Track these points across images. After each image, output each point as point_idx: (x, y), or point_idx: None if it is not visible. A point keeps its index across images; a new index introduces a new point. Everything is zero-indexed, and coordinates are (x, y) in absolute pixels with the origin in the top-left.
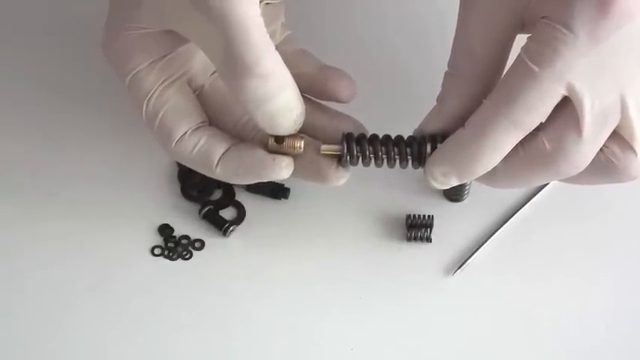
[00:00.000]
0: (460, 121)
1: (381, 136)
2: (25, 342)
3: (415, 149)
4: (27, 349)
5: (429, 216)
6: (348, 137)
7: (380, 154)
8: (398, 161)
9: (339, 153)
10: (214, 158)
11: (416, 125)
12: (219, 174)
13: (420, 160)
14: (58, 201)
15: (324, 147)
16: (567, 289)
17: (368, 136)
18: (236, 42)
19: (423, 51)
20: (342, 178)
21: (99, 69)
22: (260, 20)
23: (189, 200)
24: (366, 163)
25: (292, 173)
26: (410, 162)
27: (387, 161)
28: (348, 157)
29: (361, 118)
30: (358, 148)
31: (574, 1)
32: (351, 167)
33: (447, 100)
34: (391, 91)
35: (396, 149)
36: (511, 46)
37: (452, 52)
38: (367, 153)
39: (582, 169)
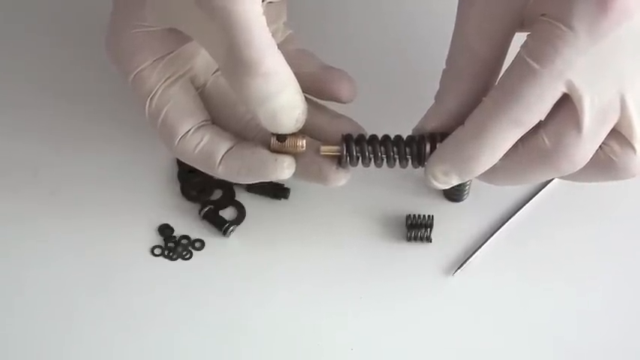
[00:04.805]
0: (458, 119)
1: (380, 136)
2: (25, 341)
3: (414, 149)
4: (27, 348)
5: (429, 216)
6: (347, 138)
7: (379, 154)
8: (397, 161)
9: (338, 154)
10: (217, 157)
11: (415, 124)
12: (221, 173)
13: (419, 160)
14: (58, 201)
15: (323, 148)
16: (567, 288)
17: (367, 136)
18: (239, 40)
19: (423, 50)
20: (342, 178)
21: (100, 69)
22: (263, 19)
23: (189, 200)
24: (365, 164)
25: (293, 173)
26: (409, 161)
27: (387, 161)
28: (348, 157)
29: (361, 118)
30: (358, 148)
31: None
32: (351, 168)
33: (444, 98)
34: (391, 91)
35: (395, 149)
36: (509, 43)
37: (450, 49)
38: (367, 153)
39: (582, 166)
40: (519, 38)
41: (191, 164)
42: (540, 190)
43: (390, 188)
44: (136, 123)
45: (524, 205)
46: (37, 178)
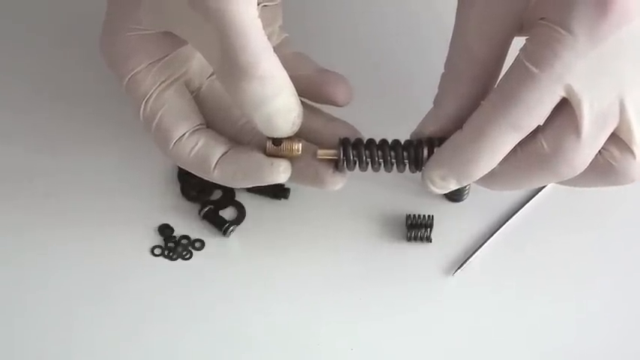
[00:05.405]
0: (457, 123)
1: (377, 140)
2: (26, 342)
3: (412, 153)
4: (27, 349)
5: (429, 216)
6: (344, 142)
7: (377, 158)
8: (395, 166)
9: (335, 158)
10: (212, 161)
11: (413, 128)
12: (216, 177)
13: (417, 164)
14: (58, 201)
15: (320, 152)
16: (567, 289)
17: (364, 141)
18: (234, 44)
19: (420, 53)
20: (339, 182)
21: (97, 70)
22: (258, 22)
23: (189, 200)
24: (362, 168)
25: (289, 177)
26: (407, 166)
27: (384, 166)
28: (345, 162)
29: (358, 122)
30: (355, 152)
31: (573, 3)
32: (348, 172)
33: (443, 102)
34: (388, 95)
35: (392, 153)
36: (509, 46)
37: (449, 51)
38: (364, 158)
39: (581, 171)
40: (519, 43)
41: (186, 168)
42: (540, 190)
43: (389, 188)
44: (136, 123)
45: (524, 204)
46: (34, 180)
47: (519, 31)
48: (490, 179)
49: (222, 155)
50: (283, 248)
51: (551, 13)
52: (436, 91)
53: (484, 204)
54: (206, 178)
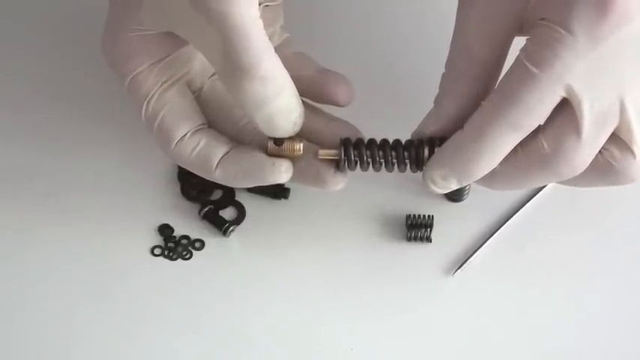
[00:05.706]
0: (458, 123)
1: (378, 140)
2: (26, 342)
3: (413, 153)
4: (28, 348)
5: (429, 216)
6: (345, 142)
7: (377, 158)
8: (396, 165)
9: (336, 158)
10: (213, 161)
11: (414, 128)
12: (218, 177)
13: (417, 164)
14: (58, 201)
15: (321, 152)
16: (567, 289)
17: (365, 140)
18: (235, 44)
19: (422, 54)
20: (340, 182)
21: (98, 70)
22: (259, 22)
23: (189, 200)
24: (364, 168)
25: (290, 177)
26: (408, 166)
27: (385, 166)
28: (346, 162)
29: (359, 122)
30: (356, 152)
31: (573, 3)
32: (349, 172)
33: (444, 101)
34: (389, 95)
35: (393, 153)
36: (509, 46)
37: (450, 51)
38: (365, 158)
39: (581, 171)
40: (519, 42)
41: (188, 168)
42: (540, 190)
43: (390, 188)
44: (136, 123)
45: (524, 205)
46: (34, 180)
47: (519, 31)
48: (491, 179)
49: (224, 155)
50: (283, 248)
51: (551, 13)
52: (437, 91)
53: (484, 204)
54: (207, 178)
